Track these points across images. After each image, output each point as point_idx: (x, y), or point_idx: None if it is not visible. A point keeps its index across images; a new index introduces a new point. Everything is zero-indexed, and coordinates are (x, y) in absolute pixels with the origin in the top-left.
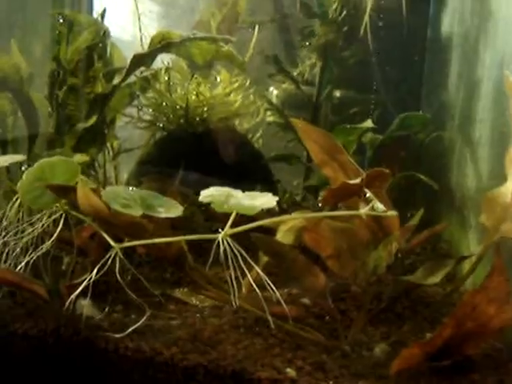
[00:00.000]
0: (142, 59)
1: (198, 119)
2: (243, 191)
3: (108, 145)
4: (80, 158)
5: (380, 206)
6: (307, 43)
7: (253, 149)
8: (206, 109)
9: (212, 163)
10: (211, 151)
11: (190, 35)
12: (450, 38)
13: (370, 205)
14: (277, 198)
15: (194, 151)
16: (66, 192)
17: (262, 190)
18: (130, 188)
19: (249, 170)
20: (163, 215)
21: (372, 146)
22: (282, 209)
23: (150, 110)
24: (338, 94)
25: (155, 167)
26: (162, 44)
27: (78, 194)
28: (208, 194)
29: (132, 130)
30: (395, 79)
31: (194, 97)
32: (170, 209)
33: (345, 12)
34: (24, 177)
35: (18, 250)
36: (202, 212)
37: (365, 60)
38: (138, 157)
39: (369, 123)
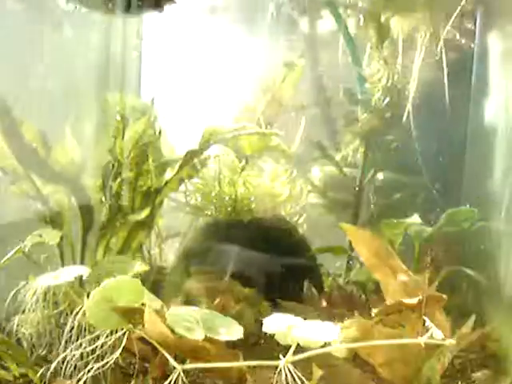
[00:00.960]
0: (194, 155)
1: (245, 208)
2: (289, 282)
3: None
4: (141, 267)
5: (438, 334)
6: (350, 129)
7: (299, 238)
8: (253, 198)
9: (259, 252)
10: (257, 240)
11: (240, 128)
12: (493, 125)
13: (429, 333)
14: (338, 331)
15: (240, 240)
16: (132, 314)
17: (307, 280)
18: (193, 308)
19: (294, 260)
20: (224, 338)
21: (418, 239)
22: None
23: (197, 197)
24: (380, 176)
25: (203, 256)
26: (212, 139)
27: (145, 320)
28: (271, 325)
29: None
30: (437, 163)
31: (241, 187)
32: (231, 330)
33: (387, 99)
34: (91, 297)
35: (80, 362)
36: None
37: (407, 144)
38: (185, 242)
39: (415, 219)
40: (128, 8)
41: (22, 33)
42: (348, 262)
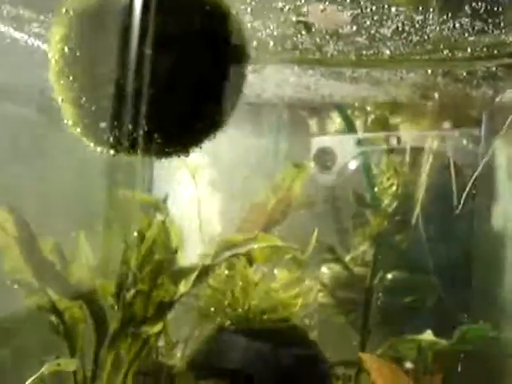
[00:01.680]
0: (209, 268)
1: (257, 318)
2: None
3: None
4: None
5: None
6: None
7: (313, 350)
8: (265, 309)
9: (271, 365)
10: (270, 351)
11: (254, 238)
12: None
13: None
14: None
15: (251, 351)
16: None
17: None
18: None
19: (309, 374)
20: None
21: (431, 350)
22: None
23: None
24: (389, 275)
25: (213, 367)
26: (227, 249)
27: None
28: None
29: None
30: (446, 262)
31: (254, 296)
32: None
33: (396, 203)
34: None
35: None
36: None
37: (416, 244)
38: (194, 348)
39: (429, 335)
40: (151, 151)
41: (31, 136)
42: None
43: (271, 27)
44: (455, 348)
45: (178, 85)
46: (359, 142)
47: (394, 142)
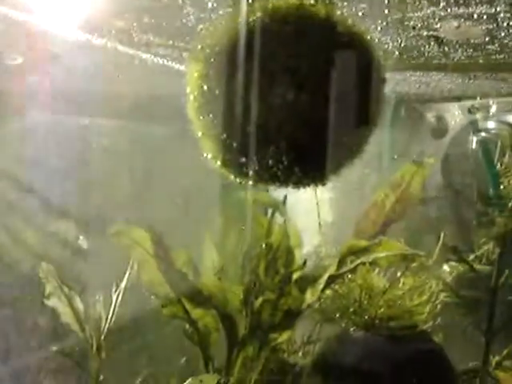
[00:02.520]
0: (335, 278)
1: (383, 324)
2: None
3: None
4: None
5: None
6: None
7: (441, 359)
8: (391, 317)
9: (398, 373)
10: (398, 357)
11: (378, 243)
12: None
13: None
14: None
15: (377, 357)
16: None
17: None
18: None
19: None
20: None
21: None
22: None
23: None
24: None
25: (338, 373)
26: (351, 255)
27: None
28: None
29: None
30: None
31: (381, 303)
32: None
33: None
34: None
35: None
36: None
37: None
38: (319, 351)
39: None
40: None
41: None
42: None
43: (399, 40)
44: None
45: (317, 120)
46: (471, 111)
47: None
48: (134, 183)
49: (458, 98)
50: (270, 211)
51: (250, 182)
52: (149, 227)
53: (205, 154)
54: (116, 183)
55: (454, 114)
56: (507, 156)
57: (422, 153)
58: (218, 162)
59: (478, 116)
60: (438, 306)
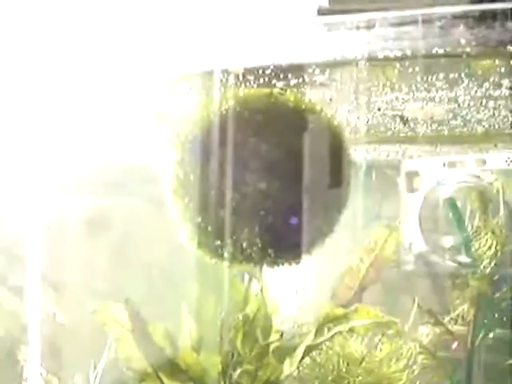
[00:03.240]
0: (313, 348)
1: None
2: None
3: None
4: None
5: None
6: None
7: None
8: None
9: None
10: None
11: (354, 311)
12: None
13: None
14: None
15: None
16: None
17: None
18: None
19: None
20: None
21: None
22: None
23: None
24: (491, 334)
25: None
26: (328, 323)
27: None
28: None
29: None
30: None
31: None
32: None
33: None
34: None
35: None
36: None
37: None
38: None
39: None
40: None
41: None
42: None
43: (366, 119)
44: None
45: (289, 203)
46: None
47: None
48: (109, 255)
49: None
50: (246, 278)
51: (226, 263)
52: (126, 301)
53: (181, 236)
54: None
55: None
56: (477, 218)
57: (395, 217)
58: (194, 244)
59: (452, 171)
60: (416, 371)
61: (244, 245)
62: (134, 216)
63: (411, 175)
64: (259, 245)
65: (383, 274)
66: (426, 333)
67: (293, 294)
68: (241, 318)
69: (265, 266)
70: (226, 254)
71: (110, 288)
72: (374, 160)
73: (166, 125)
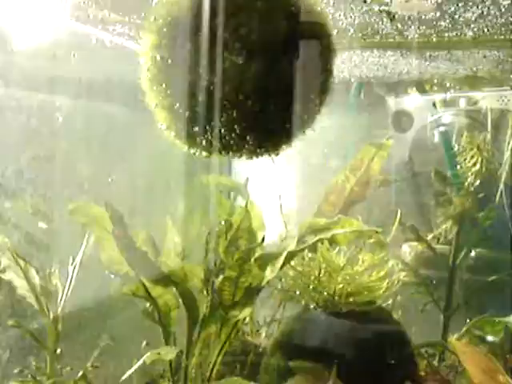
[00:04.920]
0: (294, 255)
1: (342, 300)
2: (390, 375)
3: None
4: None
5: None
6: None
7: (398, 329)
8: (350, 292)
9: (356, 345)
10: (355, 333)
11: (336, 221)
12: None
13: None
14: None
15: (338, 332)
16: None
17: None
18: None
19: (395, 353)
20: None
21: None
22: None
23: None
24: (473, 253)
25: (301, 349)
26: (310, 233)
27: None
28: None
29: None
30: None
31: (339, 280)
32: None
33: (479, 181)
34: None
35: None
36: None
37: (500, 221)
38: (282, 329)
39: None
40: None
41: (123, 133)
42: (442, 352)
43: (352, 16)
44: None
45: (268, 88)
46: (435, 105)
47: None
48: (95, 163)
49: (418, 82)
50: (232, 195)
51: (204, 153)
52: (107, 205)
53: (159, 125)
54: (74, 161)
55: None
56: (464, 136)
57: (382, 136)
58: (172, 133)
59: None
60: (396, 282)
61: (222, 131)
62: (116, 123)
63: (400, 115)
64: (237, 130)
65: (368, 194)
66: (409, 251)
67: (278, 212)
68: (223, 223)
69: (244, 157)
70: (203, 142)
71: (92, 195)
72: (363, 76)
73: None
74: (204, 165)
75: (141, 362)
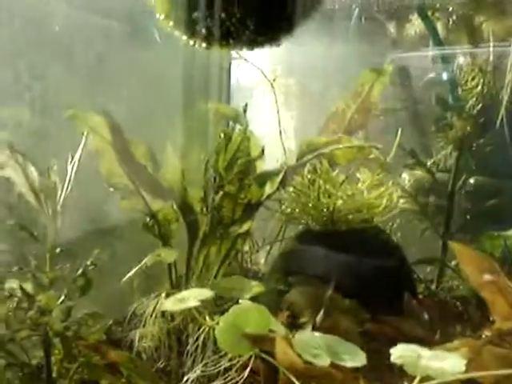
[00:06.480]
0: (294, 170)
1: (341, 219)
2: (387, 291)
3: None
4: (258, 288)
5: None
6: (443, 135)
7: (394, 247)
8: (350, 210)
9: (356, 262)
10: (355, 249)
11: (337, 140)
12: None
13: None
14: (465, 361)
15: (338, 249)
16: (261, 341)
17: (403, 288)
18: (316, 333)
19: (392, 269)
20: (349, 364)
21: None
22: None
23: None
24: (472, 180)
25: (301, 265)
26: (310, 152)
27: (277, 348)
28: (399, 355)
29: None
30: None
31: (339, 196)
32: (355, 357)
33: (481, 105)
34: (221, 323)
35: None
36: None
37: (501, 147)
38: (282, 250)
39: None
40: (243, 40)
41: (120, 53)
42: (441, 269)
43: None
44: None
45: None
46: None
47: None
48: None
49: (419, 7)
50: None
51: (204, 44)
52: (106, 114)
53: (157, 15)
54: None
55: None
56: (465, 59)
57: (381, 63)
58: (171, 23)
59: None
60: (395, 205)
61: (222, 16)
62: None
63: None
64: (237, 15)
65: (369, 120)
66: (408, 178)
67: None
68: (222, 136)
69: (244, 47)
70: (203, 30)
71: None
72: (364, 3)
73: None
74: (203, 93)
75: (142, 263)
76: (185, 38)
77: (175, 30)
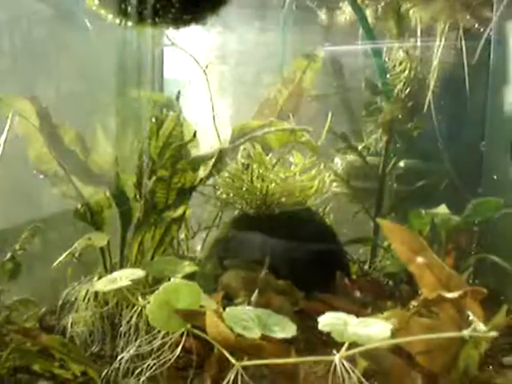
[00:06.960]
0: (226, 153)
1: (275, 202)
2: (320, 271)
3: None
4: (190, 268)
5: (481, 327)
6: (372, 119)
7: (327, 229)
8: (283, 192)
9: (290, 243)
10: (288, 232)
11: (268, 124)
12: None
13: (473, 326)
14: (391, 327)
15: (272, 232)
16: (192, 316)
17: (336, 268)
18: (247, 307)
19: (324, 250)
20: (279, 335)
21: (445, 228)
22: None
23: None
24: (402, 164)
25: (236, 249)
26: (243, 136)
27: (207, 322)
28: (327, 323)
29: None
30: (457, 149)
31: (271, 179)
32: (285, 328)
33: (409, 89)
34: (151, 301)
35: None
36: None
37: (428, 131)
38: (217, 234)
39: (443, 209)
40: (169, 18)
41: (49, 37)
42: (372, 249)
43: None
44: (467, 220)
45: None
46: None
47: None
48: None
49: None
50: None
51: (129, 22)
52: (33, 99)
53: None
54: None
55: None
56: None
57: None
58: (96, 1)
59: None
60: (327, 188)
61: None
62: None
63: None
64: None
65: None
66: (340, 162)
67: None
68: (153, 121)
69: (170, 25)
70: (128, 8)
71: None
72: None
73: None
74: (135, 79)
75: (73, 248)
76: (110, 16)
77: (101, 9)
